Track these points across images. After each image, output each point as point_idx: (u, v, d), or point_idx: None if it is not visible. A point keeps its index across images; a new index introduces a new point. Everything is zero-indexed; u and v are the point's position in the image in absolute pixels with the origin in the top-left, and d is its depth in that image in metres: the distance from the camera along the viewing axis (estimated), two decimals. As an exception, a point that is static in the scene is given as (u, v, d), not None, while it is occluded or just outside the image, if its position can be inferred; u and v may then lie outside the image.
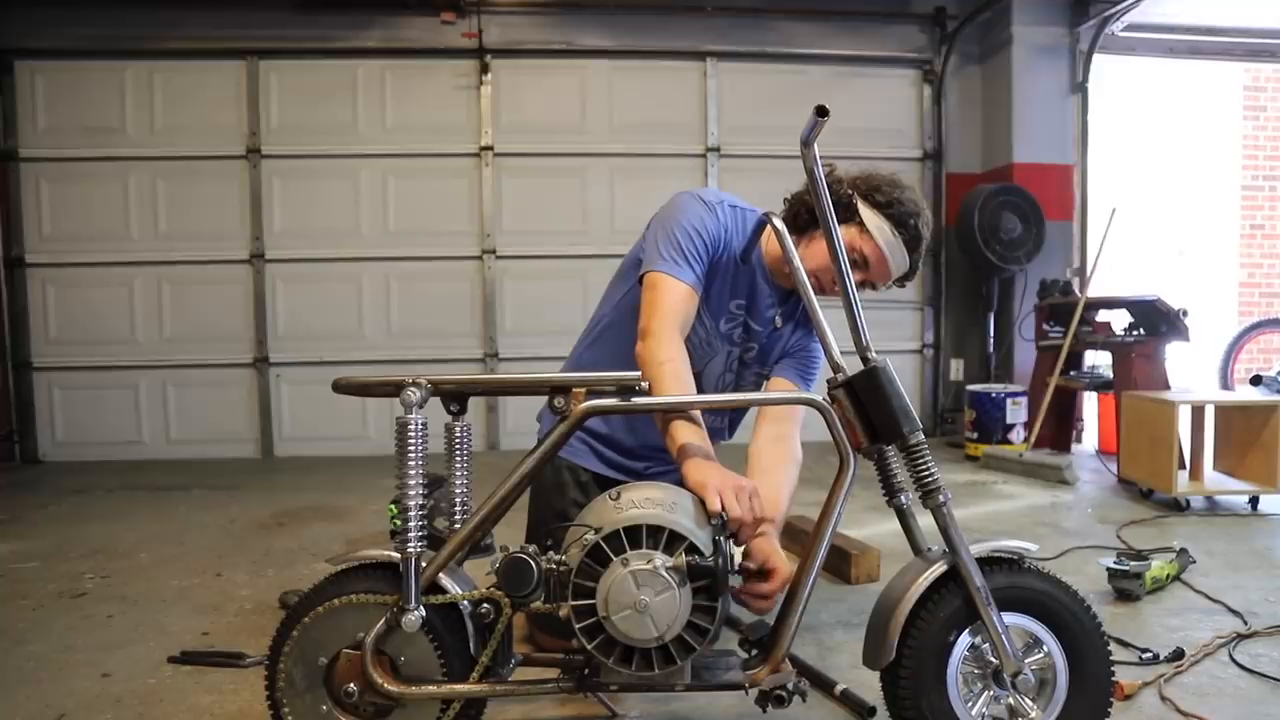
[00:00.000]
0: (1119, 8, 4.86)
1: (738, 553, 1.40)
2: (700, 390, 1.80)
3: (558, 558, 1.30)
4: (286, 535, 3.11)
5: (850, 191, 1.71)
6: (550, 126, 5.08)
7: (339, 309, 5.02)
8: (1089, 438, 4.99)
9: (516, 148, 5.05)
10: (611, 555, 1.26)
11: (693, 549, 1.26)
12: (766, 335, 1.91)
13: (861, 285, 1.76)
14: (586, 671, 1.32)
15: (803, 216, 1.75)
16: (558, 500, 1.89)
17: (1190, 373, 5.76)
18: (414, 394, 1.30)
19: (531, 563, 1.28)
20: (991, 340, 5.25)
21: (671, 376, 1.54)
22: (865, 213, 1.70)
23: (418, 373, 1.33)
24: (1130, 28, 5.15)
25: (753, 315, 1.87)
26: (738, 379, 1.95)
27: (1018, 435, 4.42)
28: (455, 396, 1.38)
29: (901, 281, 1.79)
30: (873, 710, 1.55)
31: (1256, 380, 5.25)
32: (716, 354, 1.88)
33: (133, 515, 3.45)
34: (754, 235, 1.67)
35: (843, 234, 1.68)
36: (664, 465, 1.87)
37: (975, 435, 4.49)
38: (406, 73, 4.99)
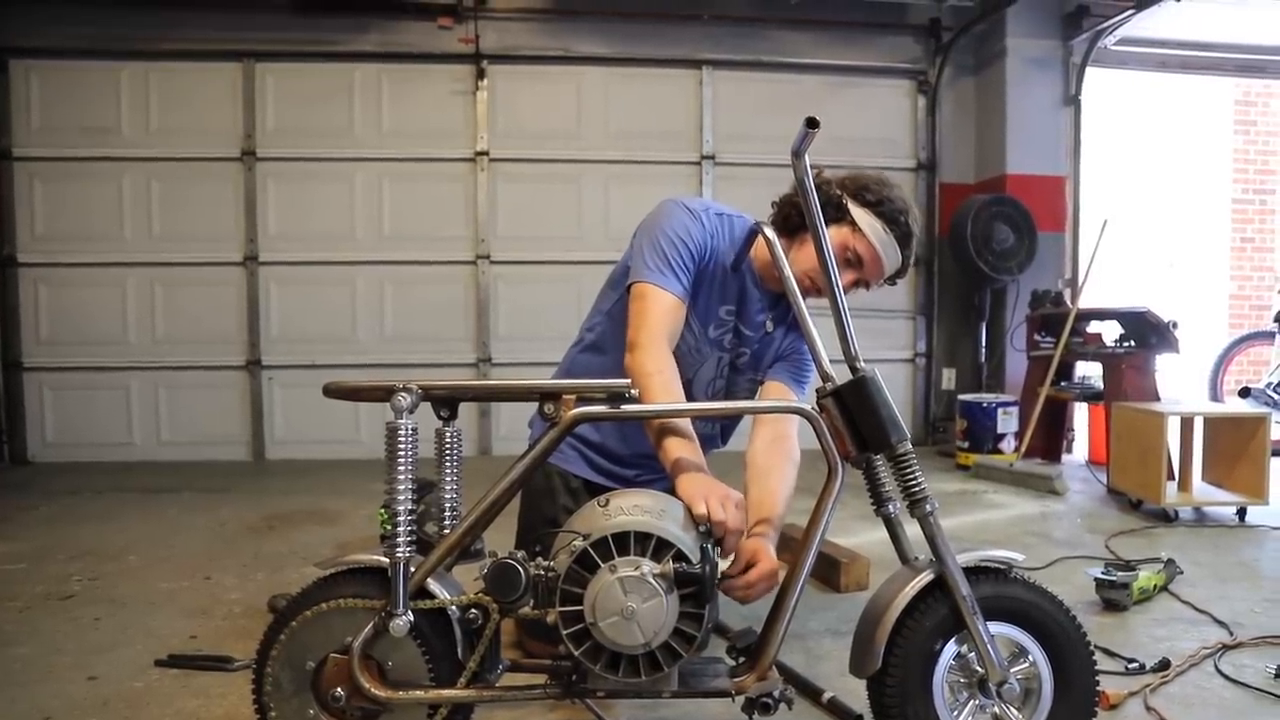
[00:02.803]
0: (1111, 22, 4.90)
1: (724, 563, 1.40)
2: (690, 397, 1.80)
3: (546, 563, 1.30)
4: (276, 539, 3.10)
5: (840, 191, 1.72)
6: (546, 133, 5.09)
7: (332, 312, 5.02)
8: (1079, 448, 5.01)
9: (512, 153, 5.06)
10: (599, 562, 1.26)
11: (680, 556, 1.26)
12: (758, 340, 1.91)
13: (855, 284, 1.77)
14: (574, 678, 1.32)
15: (793, 218, 1.76)
16: (548, 506, 1.89)
17: (1180, 384, 5.79)
18: (404, 399, 1.30)
19: (520, 568, 1.28)
20: (983, 350, 5.28)
21: (660, 388, 1.54)
22: (856, 211, 1.71)
23: (411, 377, 1.33)
24: (1123, 42, 5.20)
25: (743, 320, 1.88)
26: (729, 385, 1.95)
27: (1008, 445, 4.43)
28: (445, 402, 1.38)
29: (893, 279, 1.80)
30: (859, 718, 1.56)
31: (1245, 392, 5.31)
32: (706, 360, 1.88)
33: (122, 517, 3.44)
34: (744, 246, 1.68)
35: (834, 234, 1.70)
36: (654, 473, 1.87)
37: (966, 445, 4.51)
38: (403, 77, 4.99)
